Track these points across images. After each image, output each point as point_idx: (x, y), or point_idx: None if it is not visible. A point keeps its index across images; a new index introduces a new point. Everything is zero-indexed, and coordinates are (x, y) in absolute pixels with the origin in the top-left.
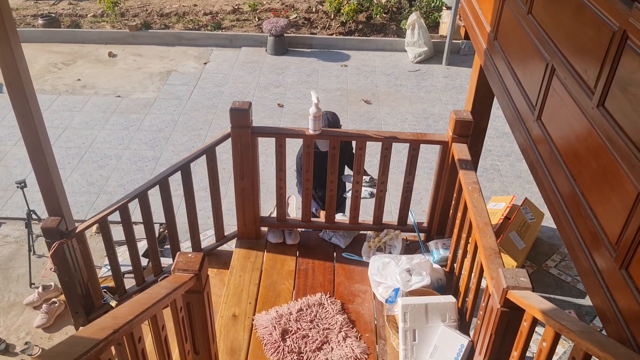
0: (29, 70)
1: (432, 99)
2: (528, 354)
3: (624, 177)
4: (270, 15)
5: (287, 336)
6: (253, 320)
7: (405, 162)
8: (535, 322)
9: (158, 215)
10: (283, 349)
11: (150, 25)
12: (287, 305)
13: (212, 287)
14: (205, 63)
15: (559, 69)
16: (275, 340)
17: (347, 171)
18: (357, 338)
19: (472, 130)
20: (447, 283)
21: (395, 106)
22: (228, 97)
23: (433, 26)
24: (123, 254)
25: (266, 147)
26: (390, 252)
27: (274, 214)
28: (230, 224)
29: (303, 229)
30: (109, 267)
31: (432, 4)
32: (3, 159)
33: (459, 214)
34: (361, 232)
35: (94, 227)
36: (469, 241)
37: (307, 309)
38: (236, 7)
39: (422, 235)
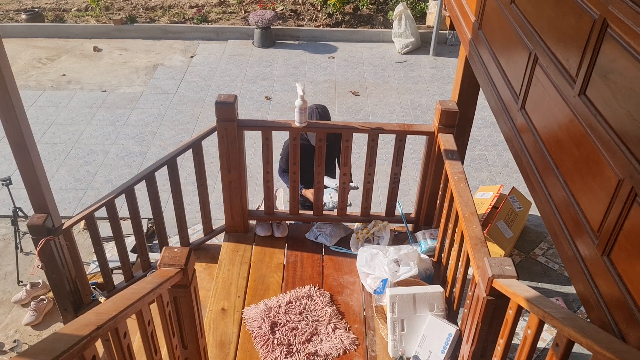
0: (10, 66)
1: (419, 89)
2: (515, 341)
3: (605, 165)
4: (257, 8)
5: (276, 329)
6: (242, 313)
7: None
8: (520, 310)
9: (146, 210)
10: (272, 341)
11: (135, 18)
12: (276, 298)
13: (201, 281)
14: (191, 56)
15: (542, 58)
16: (264, 333)
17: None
18: (346, 329)
19: (458, 121)
20: (434, 273)
21: (383, 97)
22: (215, 90)
23: (420, 17)
24: (112, 250)
25: (254, 141)
26: (378, 244)
27: (262, 207)
28: (220, 218)
29: (291, 222)
30: (97, 264)
31: None
32: None
33: (446, 204)
34: (348, 225)
35: (82, 224)
36: (456, 231)
37: (296, 302)
38: None
39: (410, 225)
